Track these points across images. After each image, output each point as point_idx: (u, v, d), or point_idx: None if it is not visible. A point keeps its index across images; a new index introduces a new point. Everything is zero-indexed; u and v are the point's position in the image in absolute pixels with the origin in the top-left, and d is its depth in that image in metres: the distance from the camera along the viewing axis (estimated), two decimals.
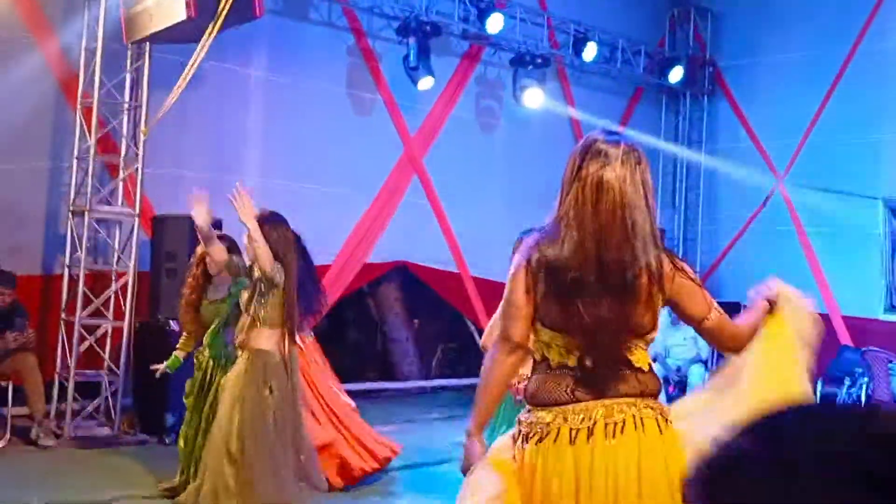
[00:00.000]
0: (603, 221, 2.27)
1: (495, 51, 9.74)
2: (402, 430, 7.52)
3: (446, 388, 8.98)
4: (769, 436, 0.55)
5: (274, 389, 4.30)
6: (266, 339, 4.33)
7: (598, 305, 2.24)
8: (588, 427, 2.25)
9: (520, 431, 2.36)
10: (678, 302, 2.35)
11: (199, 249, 4.97)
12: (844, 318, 9.74)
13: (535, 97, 9.41)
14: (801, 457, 0.53)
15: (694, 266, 11.06)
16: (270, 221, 4.32)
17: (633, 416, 2.27)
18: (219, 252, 4.60)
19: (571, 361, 2.30)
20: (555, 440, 2.27)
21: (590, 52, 9.73)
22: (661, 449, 2.28)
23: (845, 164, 9.72)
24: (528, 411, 2.37)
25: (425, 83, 8.66)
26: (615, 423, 2.26)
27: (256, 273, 4.30)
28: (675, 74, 10.56)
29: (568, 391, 2.30)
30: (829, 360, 9.42)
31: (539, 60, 9.45)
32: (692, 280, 2.37)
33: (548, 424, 2.29)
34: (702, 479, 0.62)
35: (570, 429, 2.27)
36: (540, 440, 2.30)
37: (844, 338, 9.65)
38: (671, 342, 9.45)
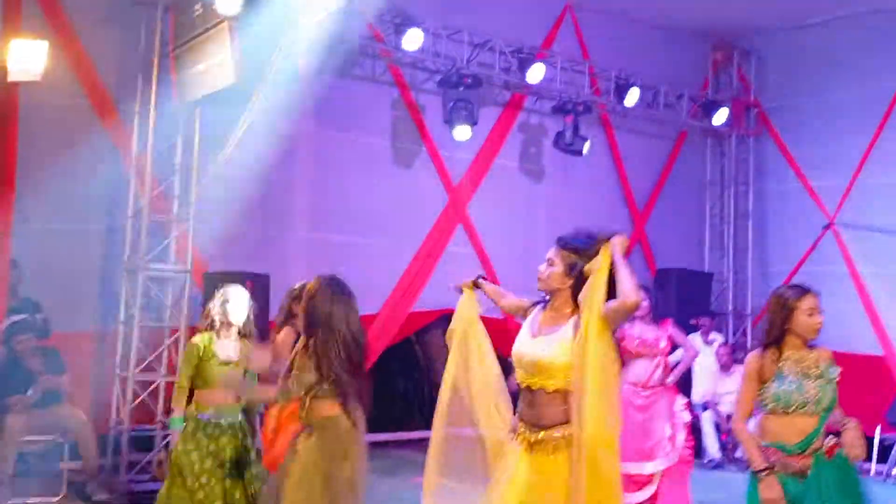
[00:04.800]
0: None
1: (537, 99, 9.83)
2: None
3: None
4: None
5: (351, 457, 4.12)
6: (329, 407, 4.18)
7: None
8: None
9: None
10: None
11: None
12: None
13: (578, 146, 9.49)
14: None
15: (745, 308, 10.90)
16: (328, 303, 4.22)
17: None
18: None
19: None
20: None
21: (632, 97, 9.76)
22: None
23: None
24: None
25: (464, 133, 8.73)
26: None
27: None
28: (720, 117, 10.52)
29: None
30: (887, 405, 9.16)
31: (581, 108, 9.51)
32: None
33: None
34: None
35: None
36: None
37: None
38: (722, 389, 9.30)
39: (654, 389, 6.17)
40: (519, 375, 3.48)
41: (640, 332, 6.19)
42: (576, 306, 3.40)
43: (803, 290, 3.81)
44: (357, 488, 4.24)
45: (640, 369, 6.14)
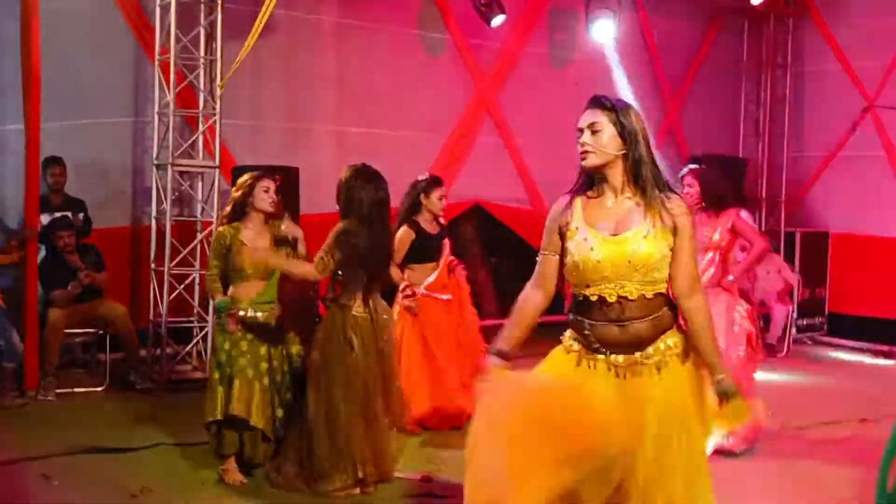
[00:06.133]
0: None
1: None
2: None
3: None
4: None
5: (355, 345, 4.33)
6: (344, 295, 4.42)
7: None
8: None
9: None
10: None
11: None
12: None
13: (607, 29, 9.11)
14: None
15: (779, 195, 10.73)
16: (358, 188, 4.41)
17: None
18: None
19: None
20: None
21: None
22: None
23: None
24: None
25: (496, 20, 8.50)
26: None
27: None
28: None
29: None
30: None
31: None
32: None
33: None
34: None
35: None
36: None
37: None
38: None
39: (708, 291, 5.70)
40: (588, 287, 2.80)
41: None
42: (637, 186, 2.80)
43: None
44: (358, 374, 4.33)
45: None
